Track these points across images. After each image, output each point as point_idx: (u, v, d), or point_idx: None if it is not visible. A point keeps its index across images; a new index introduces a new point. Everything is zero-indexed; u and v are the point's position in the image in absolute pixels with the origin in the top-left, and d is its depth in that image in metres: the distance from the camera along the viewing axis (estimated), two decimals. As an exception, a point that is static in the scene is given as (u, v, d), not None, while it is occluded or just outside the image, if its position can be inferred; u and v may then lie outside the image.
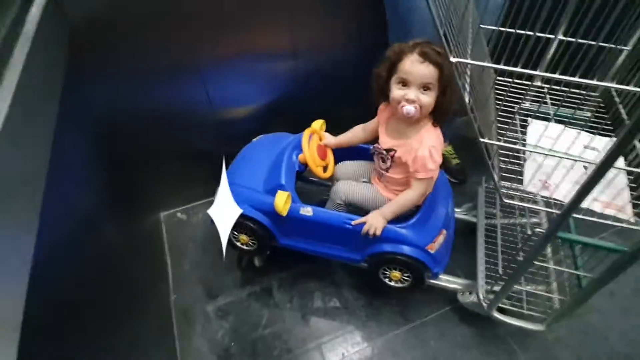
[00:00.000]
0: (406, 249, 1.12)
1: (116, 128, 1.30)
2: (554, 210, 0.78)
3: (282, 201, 1.13)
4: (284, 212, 1.14)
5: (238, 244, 1.34)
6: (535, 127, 0.93)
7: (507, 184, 0.82)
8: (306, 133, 1.24)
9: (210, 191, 1.60)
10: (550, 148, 0.77)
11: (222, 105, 1.44)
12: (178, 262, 1.50)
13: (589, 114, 1.10)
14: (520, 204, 0.80)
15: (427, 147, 1.00)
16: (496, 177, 0.79)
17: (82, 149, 1.05)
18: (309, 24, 1.37)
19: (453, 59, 0.64)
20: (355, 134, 1.25)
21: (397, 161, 1.08)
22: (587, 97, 1.06)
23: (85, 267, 0.87)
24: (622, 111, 0.95)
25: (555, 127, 0.91)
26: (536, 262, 0.93)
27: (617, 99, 0.96)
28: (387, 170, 1.14)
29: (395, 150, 1.07)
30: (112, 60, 1.17)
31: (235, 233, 1.30)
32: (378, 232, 1.08)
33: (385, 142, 1.11)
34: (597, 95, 1.07)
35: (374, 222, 1.08)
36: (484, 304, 1.10)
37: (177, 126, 1.43)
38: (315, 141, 1.26)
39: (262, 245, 1.31)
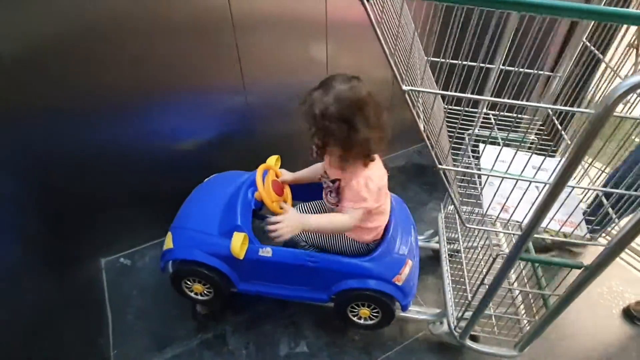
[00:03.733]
0: (372, 283, 1.08)
1: (50, 169, 1.19)
2: (513, 232, 0.78)
3: (239, 243, 1.05)
4: (241, 255, 1.06)
5: (192, 294, 1.22)
6: (488, 152, 0.95)
7: (467, 208, 0.81)
8: (260, 169, 1.19)
9: (157, 233, 1.51)
10: (504, 172, 0.77)
11: (167, 142, 1.37)
12: (121, 312, 1.35)
13: (534, 137, 1.16)
14: (481, 228, 0.79)
15: (362, 176, 0.97)
16: (457, 203, 0.78)
17: (5, 195, 0.93)
18: (258, 58, 1.35)
19: (405, 87, 0.63)
20: (314, 171, 1.22)
21: (342, 192, 1.04)
22: (531, 122, 1.11)
23: (7, 327, 0.76)
24: (564, 134, 1.00)
25: (506, 152, 0.93)
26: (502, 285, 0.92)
27: (556, 121, 1.01)
28: (336, 204, 1.09)
29: (340, 180, 1.04)
30: (48, 99, 1.08)
31: (189, 282, 1.19)
32: (281, 239, 0.94)
33: (331, 173, 1.07)
34: (538, 119, 1.13)
35: (286, 226, 0.95)
36: (456, 333, 1.07)
37: (119, 166, 1.32)
38: (270, 177, 1.21)
39: (219, 293, 1.20)
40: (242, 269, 1.14)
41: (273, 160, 1.29)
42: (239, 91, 1.39)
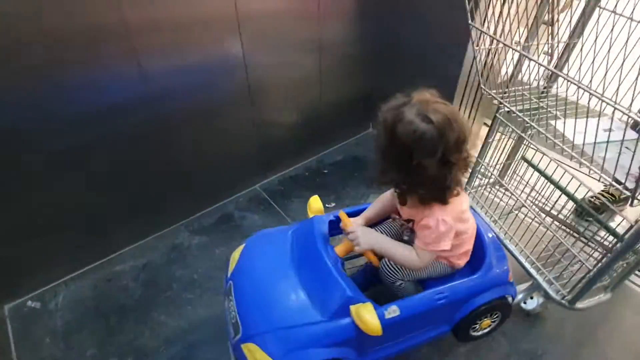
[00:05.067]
0: (499, 290, 1.03)
1: None
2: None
3: (374, 317, 0.84)
4: (380, 330, 0.85)
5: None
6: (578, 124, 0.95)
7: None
8: (347, 224, 0.95)
9: (71, 265, 1.34)
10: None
11: (64, 145, 1.11)
12: (32, 366, 1.10)
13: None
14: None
15: (435, 217, 0.88)
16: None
17: None
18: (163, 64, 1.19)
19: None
20: (381, 206, 1.07)
21: (416, 229, 0.96)
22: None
23: None
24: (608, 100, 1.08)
25: (581, 122, 0.95)
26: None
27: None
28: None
29: (414, 221, 0.96)
30: None
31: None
32: (358, 248, 0.93)
33: (404, 212, 0.99)
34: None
35: (361, 234, 0.93)
36: (564, 302, 1.11)
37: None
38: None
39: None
40: (365, 342, 0.93)
41: (318, 202, 1.08)
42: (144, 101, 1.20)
